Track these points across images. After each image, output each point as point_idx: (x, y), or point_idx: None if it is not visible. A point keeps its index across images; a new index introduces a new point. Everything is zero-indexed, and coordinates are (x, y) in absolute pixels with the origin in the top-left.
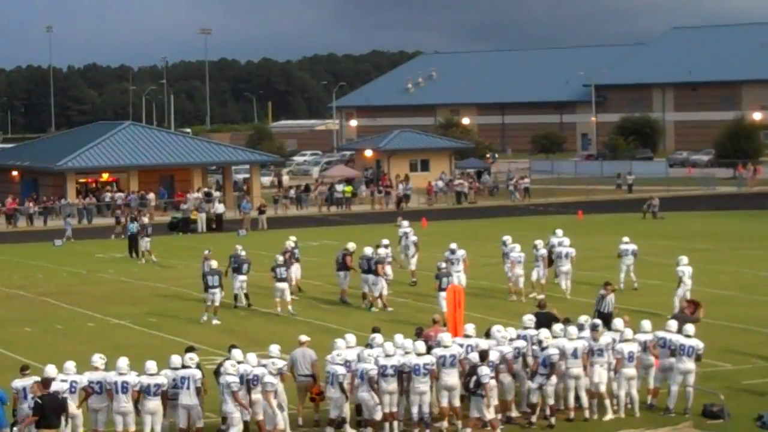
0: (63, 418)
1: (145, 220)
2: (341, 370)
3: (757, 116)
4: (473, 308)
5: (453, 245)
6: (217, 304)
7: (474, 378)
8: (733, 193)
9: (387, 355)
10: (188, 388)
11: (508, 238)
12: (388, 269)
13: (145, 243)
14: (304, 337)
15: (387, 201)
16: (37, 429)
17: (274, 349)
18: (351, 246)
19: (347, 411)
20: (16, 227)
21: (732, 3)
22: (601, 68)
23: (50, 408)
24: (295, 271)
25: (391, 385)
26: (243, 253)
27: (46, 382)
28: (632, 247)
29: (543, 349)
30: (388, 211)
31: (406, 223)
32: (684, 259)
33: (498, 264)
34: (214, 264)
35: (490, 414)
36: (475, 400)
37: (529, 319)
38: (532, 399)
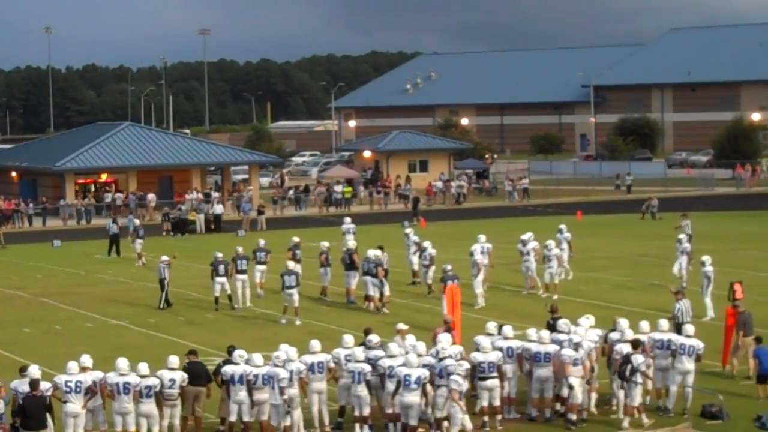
0: (49, 419)
1: (137, 221)
2: (367, 368)
3: (755, 117)
4: (472, 308)
5: (473, 247)
6: (296, 305)
7: (629, 366)
8: (732, 193)
9: (391, 356)
10: (273, 387)
11: (528, 236)
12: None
13: (137, 245)
14: (402, 326)
15: (386, 202)
16: (21, 429)
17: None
18: (352, 244)
19: (367, 410)
20: (16, 228)
21: (731, 3)
22: (599, 69)
23: (33, 409)
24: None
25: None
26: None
27: (34, 384)
28: (687, 246)
29: (441, 359)
30: (387, 212)
31: (348, 219)
32: (709, 260)
33: (497, 264)
34: (291, 265)
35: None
36: (630, 387)
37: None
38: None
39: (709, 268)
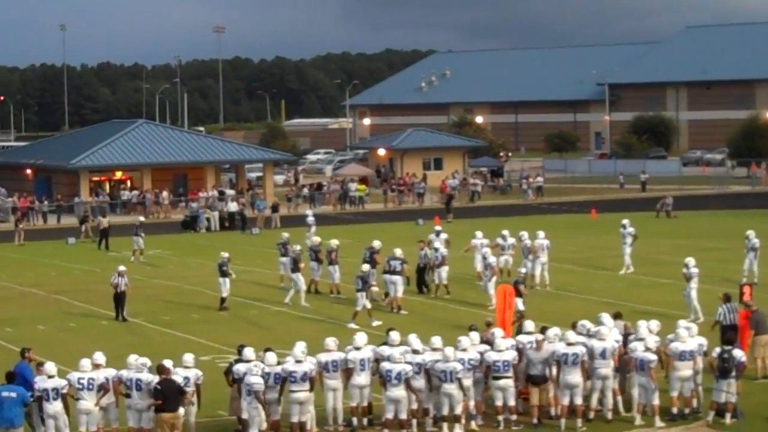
0: (65, 417)
1: (141, 218)
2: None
3: None
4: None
5: (484, 250)
6: (359, 308)
7: (733, 361)
8: (747, 191)
9: (414, 352)
10: (365, 369)
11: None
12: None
13: (137, 242)
14: (539, 336)
15: (400, 199)
16: (156, 413)
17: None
18: (377, 244)
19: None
20: (30, 225)
21: (746, 2)
22: (614, 67)
23: (168, 393)
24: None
25: (419, 382)
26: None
27: (162, 369)
28: (756, 242)
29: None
30: (401, 210)
31: (310, 212)
32: (693, 261)
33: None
34: (365, 267)
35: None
36: (731, 383)
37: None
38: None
39: (694, 270)
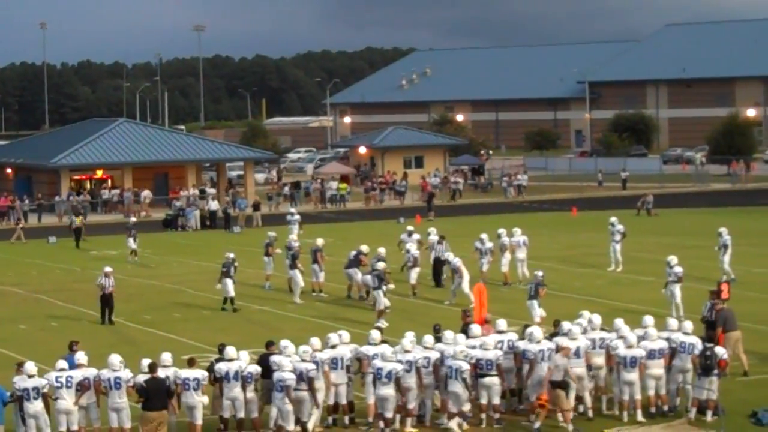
0: (46, 417)
1: (133, 219)
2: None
3: (750, 113)
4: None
5: (446, 254)
6: (381, 306)
7: (715, 358)
8: (727, 189)
9: (406, 351)
10: (337, 367)
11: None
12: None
13: (131, 242)
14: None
15: (381, 198)
16: (143, 411)
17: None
18: (365, 248)
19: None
20: (11, 224)
21: (726, 0)
22: (595, 65)
23: (154, 391)
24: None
25: (410, 380)
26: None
27: (153, 367)
28: (728, 239)
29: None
30: (382, 209)
31: (293, 210)
32: (675, 259)
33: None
34: (380, 265)
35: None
36: (713, 380)
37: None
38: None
39: (677, 269)
